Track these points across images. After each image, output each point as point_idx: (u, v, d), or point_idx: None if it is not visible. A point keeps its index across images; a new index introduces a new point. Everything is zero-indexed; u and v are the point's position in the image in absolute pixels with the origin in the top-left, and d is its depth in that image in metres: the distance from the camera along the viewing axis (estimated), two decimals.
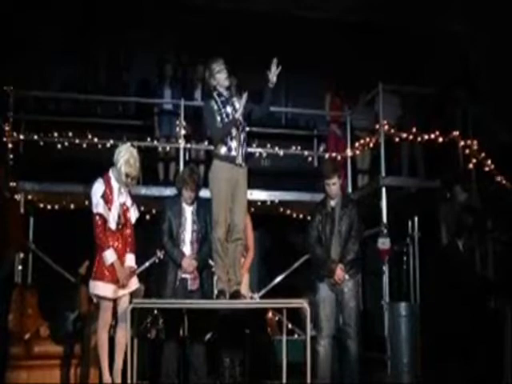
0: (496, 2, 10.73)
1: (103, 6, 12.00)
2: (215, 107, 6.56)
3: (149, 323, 9.02)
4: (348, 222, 7.16)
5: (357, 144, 10.54)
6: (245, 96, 6.48)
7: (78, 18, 11.88)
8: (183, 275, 7.06)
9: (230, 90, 6.76)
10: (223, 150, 6.46)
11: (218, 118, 6.50)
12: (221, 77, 6.59)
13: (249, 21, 12.51)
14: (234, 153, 6.46)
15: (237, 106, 6.53)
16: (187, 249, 7.12)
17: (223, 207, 6.42)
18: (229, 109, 6.53)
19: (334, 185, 7.19)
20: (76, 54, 11.98)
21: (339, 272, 7.04)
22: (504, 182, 9.59)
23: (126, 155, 6.45)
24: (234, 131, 6.48)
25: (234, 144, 6.47)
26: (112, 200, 6.43)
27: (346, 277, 7.08)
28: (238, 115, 6.46)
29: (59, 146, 9.78)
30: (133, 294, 6.55)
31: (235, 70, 11.28)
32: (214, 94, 6.64)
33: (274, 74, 6.56)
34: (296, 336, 9.35)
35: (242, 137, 6.53)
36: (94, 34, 12.09)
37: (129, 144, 6.82)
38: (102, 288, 6.33)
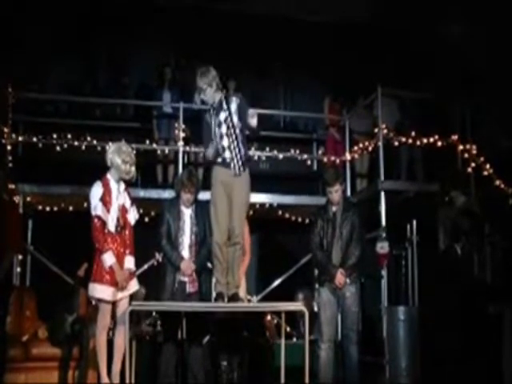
0: (495, 5, 10.73)
1: (103, 9, 12.02)
2: (208, 119, 6.59)
3: (147, 326, 9.00)
4: (349, 226, 7.18)
5: (355, 148, 10.55)
6: (253, 114, 6.47)
7: (78, 20, 11.89)
8: (182, 278, 7.05)
9: (221, 100, 6.68)
10: (219, 159, 6.50)
11: (213, 130, 6.52)
12: (209, 93, 6.58)
13: (248, 24, 12.52)
14: (228, 160, 6.48)
15: (232, 108, 6.53)
16: (186, 252, 7.12)
17: (221, 211, 6.44)
18: (222, 115, 6.53)
19: (336, 192, 7.20)
20: (75, 57, 12.01)
21: (339, 276, 7.05)
22: (503, 186, 9.60)
23: (115, 147, 6.52)
24: (226, 141, 6.49)
25: (227, 154, 6.50)
26: (110, 202, 6.43)
27: (347, 281, 7.10)
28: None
29: (58, 148, 9.78)
30: (132, 297, 6.55)
31: (234, 73, 11.37)
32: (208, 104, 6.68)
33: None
34: (295, 339, 9.34)
35: (239, 144, 6.53)
36: (94, 37, 12.10)
37: None
38: (101, 290, 6.31)
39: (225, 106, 6.57)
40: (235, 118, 6.52)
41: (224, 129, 6.49)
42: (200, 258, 7.12)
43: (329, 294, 7.21)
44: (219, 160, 6.50)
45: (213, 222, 6.52)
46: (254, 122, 6.41)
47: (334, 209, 7.28)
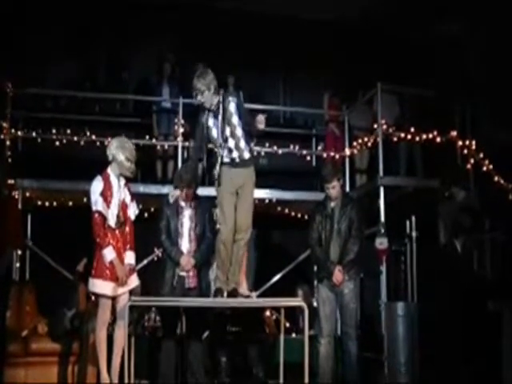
0: (494, 4, 10.74)
1: (103, 5, 12.00)
2: (203, 120, 6.55)
3: (147, 321, 9.01)
4: (347, 221, 7.16)
5: (355, 143, 10.55)
6: (261, 121, 6.45)
7: (78, 15, 11.88)
8: (181, 273, 7.06)
9: (219, 102, 6.64)
10: (226, 159, 6.49)
11: (212, 132, 6.51)
12: (207, 96, 6.51)
13: (248, 20, 12.51)
14: (235, 159, 6.47)
15: (232, 108, 6.50)
16: (185, 247, 7.13)
17: (228, 212, 6.43)
18: (223, 118, 6.49)
19: (333, 188, 7.20)
20: (75, 52, 11.98)
21: (337, 273, 7.05)
22: (502, 182, 9.59)
23: (118, 142, 6.51)
24: (232, 142, 6.47)
25: (235, 154, 6.49)
26: (111, 197, 6.42)
27: (346, 277, 7.09)
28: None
29: (57, 143, 9.78)
30: (132, 292, 6.55)
31: (234, 69, 11.36)
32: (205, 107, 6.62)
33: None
34: (293, 335, 9.34)
35: (243, 142, 6.52)
36: (94, 32, 12.09)
37: None
38: (101, 286, 6.31)
39: (225, 108, 6.52)
40: (236, 118, 6.49)
41: (228, 131, 6.46)
42: (200, 253, 7.13)
43: (327, 290, 7.21)
44: (226, 160, 6.49)
45: (220, 221, 6.51)
46: (261, 126, 6.39)
47: (332, 204, 7.27)
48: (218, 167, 6.49)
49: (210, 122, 6.51)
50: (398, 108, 10.65)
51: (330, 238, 7.19)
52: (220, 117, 6.47)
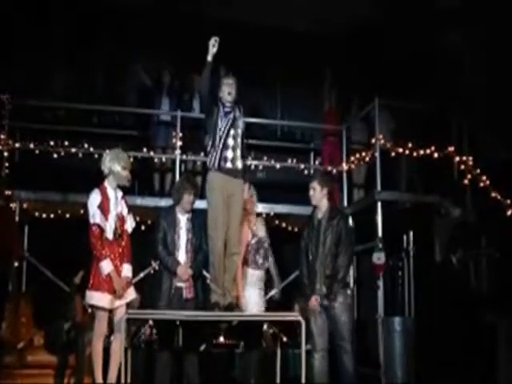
0: (493, 16, 10.77)
1: (102, 16, 12.04)
2: (215, 113, 6.70)
3: (143, 333, 8.99)
4: (333, 235, 6.91)
5: (352, 158, 10.55)
6: None
7: (77, 27, 11.91)
8: (178, 284, 7.04)
9: (235, 104, 6.81)
10: (218, 160, 6.54)
11: (220, 126, 6.62)
12: (225, 90, 6.77)
13: (245, 33, 12.54)
14: (230, 158, 6.56)
15: (240, 121, 6.66)
16: (182, 258, 7.11)
17: (222, 224, 6.45)
18: (233, 117, 6.66)
19: (312, 189, 7.06)
20: (74, 63, 12.00)
21: (313, 301, 6.96)
22: (499, 197, 9.58)
23: (112, 155, 6.53)
24: (232, 141, 6.55)
25: (230, 153, 6.55)
26: (108, 210, 6.43)
27: (337, 291, 6.93)
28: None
29: (55, 155, 9.78)
30: (129, 305, 6.53)
31: None
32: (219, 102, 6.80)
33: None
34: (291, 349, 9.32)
35: (243, 148, 6.62)
36: (93, 44, 12.11)
37: None
38: (98, 298, 6.29)
39: (236, 117, 6.68)
40: (240, 131, 6.63)
41: (232, 131, 6.58)
42: (196, 264, 7.13)
43: (317, 304, 7.05)
44: (218, 163, 6.54)
45: (212, 233, 6.56)
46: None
47: (319, 216, 7.10)
48: (210, 172, 6.56)
49: (222, 117, 6.66)
50: (393, 122, 10.68)
51: (316, 252, 6.96)
52: (231, 116, 6.62)
